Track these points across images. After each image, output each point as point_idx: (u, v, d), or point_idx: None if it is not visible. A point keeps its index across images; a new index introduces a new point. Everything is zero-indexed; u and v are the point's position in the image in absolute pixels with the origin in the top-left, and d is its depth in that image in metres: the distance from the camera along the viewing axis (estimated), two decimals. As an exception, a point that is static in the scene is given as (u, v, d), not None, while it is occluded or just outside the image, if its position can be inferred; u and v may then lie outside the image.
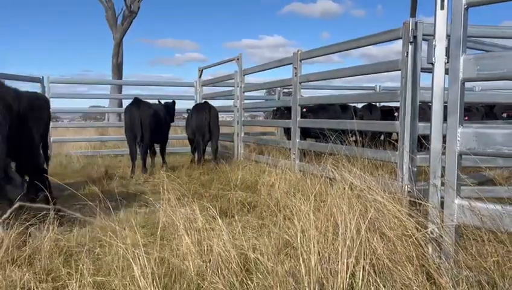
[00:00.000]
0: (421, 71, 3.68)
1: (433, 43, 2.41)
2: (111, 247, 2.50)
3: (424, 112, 3.94)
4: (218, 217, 2.69)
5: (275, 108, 8.94)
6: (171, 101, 7.74)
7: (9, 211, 2.61)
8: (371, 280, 2.02)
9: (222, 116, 8.53)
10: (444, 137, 2.37)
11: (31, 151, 4.16)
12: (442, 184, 2.38)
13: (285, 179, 4.42)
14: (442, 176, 2.39)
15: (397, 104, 4.13)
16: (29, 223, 2.87)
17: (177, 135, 9.87)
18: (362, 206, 2.49)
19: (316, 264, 2.04)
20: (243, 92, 7.75)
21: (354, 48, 4.85)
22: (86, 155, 8.69)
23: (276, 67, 6.63)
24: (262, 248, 2.41)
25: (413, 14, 3.50)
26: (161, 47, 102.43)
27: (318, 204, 2.74)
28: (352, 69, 4.98)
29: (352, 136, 5.88)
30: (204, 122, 7.04)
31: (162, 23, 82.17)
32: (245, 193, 4.35)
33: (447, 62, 2.36)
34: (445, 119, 2.36)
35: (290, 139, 6.12)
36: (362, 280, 2.03)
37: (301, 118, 5.91)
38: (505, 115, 8.40)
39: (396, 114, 7.83)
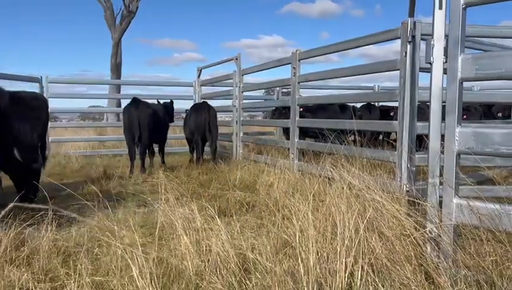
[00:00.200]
0: (420, 71, 3.69)
1: (432, 42, 2.41)
2: (109, 247, 2.50)
3: (422, 111, 3.95)
4: (216, 216, 2.69)
5: (274, 108, 8.94)
6: (168, 101, 7.75)
7: (3, 212, 2.61)
8: (370, 280, 2.02)
9: (221, 116, 8.53)
10: (443, 136, 2.37)
11: (19, 150, 4.14)
12: (441, 183, 2.39)
13: (284, 179, 4.42)
14: (441, 175, 2.39)
15: (396, 104, 4.13)
16: (28, 223, 2.87)
17: (176, 134, 9.86)
18: (361, 206, 2.49)
19: (314, 263, 2.04)
20: (242, 92, 7.75)
21: (352, 48, 4.85)
22: (84, 155, 8.68)
23: (275, 67, 6.63)
24: (261, 248, 2.41)
25: (411, 14, 3.51)
26: (159, 47, 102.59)
27: (317, 204, 2.74)
28: (351, 69, 4.98)
29: (351, 136, 5.89)
30: (203, 122, 7.03)
31: (160, 23, 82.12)
32: (244, 192, 4.35)
33: (445, 62, 2.36)
34: (443, 118, 2.37)
35: (288, 139, 6.12)
36: (361, 280, 2.03)
37: (299, 117, 5.91)
38: (500, 114, 8.43)
39: (392, 114, 7.86)
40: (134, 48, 77.52)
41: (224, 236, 2.47)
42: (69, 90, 43.63)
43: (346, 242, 2.11)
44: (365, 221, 2.26)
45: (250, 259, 2.32)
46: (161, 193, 3.13)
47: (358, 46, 4.68)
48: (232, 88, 7.95)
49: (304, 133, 7.05)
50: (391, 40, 4.13)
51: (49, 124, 5.93)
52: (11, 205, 2.66)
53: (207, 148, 7.45)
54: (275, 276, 2.04)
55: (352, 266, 2.06)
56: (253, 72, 7.58)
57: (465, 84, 2.40)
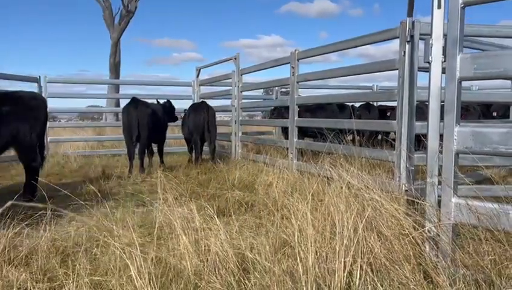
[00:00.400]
0: (418, 70, 3.69)
1: (430, 42, 2.42)
2: (108, 247, 2.50)
3: (421, 111, 3.95)
4: (215, 216, 2.69)
5: (273, 107, 8.95)
6: (165, 100, 7.76)
7: (0, 210, 2.60)
8: (368, 279, 2.02)
9: (220, 116, 8.52)
10: (441, 136, 2.38)
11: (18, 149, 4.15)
12: (439, 183, 2.39)
13: (283, 179, 4.42)
14: (440, 174, 2.39)
15: (394, 104, 4.13)
16: (26, 223, 2.87)
17: (175, 134, 9.86)
18: (359, 205, 2.49)
19: (313, 263, 2.04)
20: (241, 92, 7.75)
21: (351, 48, 4.84)
22: (83, 155, 8.66)
23: (274, 66, 6.63)
24: (260, 248, 2.41)
25: (410, 14, 3.50)
26: (158, 46, 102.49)
27: (316, 203, 2.74)
28: (350, 69, 4.98)
29: (349, 136, 5.89)
30: (202, 122, 7.03)
31: (159, 22, 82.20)
32: (243, 192, 4.35)
33: (444, 61, 2.36)
34: (442, 118, 2.37)
35: (287, 139, 6.12)
36: (359, 279, 2.03)
37: (298, 117, 5.91)
38: (495, 114, 8.44)
39: (388, 114, 7.87)
40: (133, 47, 77.53)
41: (223, 236, 2.46)
42: (68, 90, 43.37)
43: (345, 242, 2.11)
44: (364, 220, 2.27)
45: (249, 259, 2.32)
46: (160, 193, 3.13)
47: (357, 46, 4.67)
48: (230, 88, 7.95)
49: (303, 132, 7.05)
50: (390, 39, 4.14)
51: (48, 123, 5.93)
52: (9, 203, 2.65)
53: (206, 148, 7.45)
54: (273, 276, 2.04)
55: (351, 265, 2.06)
56: (252, 71, 7.58)
57: (464, 83, 2.40)
